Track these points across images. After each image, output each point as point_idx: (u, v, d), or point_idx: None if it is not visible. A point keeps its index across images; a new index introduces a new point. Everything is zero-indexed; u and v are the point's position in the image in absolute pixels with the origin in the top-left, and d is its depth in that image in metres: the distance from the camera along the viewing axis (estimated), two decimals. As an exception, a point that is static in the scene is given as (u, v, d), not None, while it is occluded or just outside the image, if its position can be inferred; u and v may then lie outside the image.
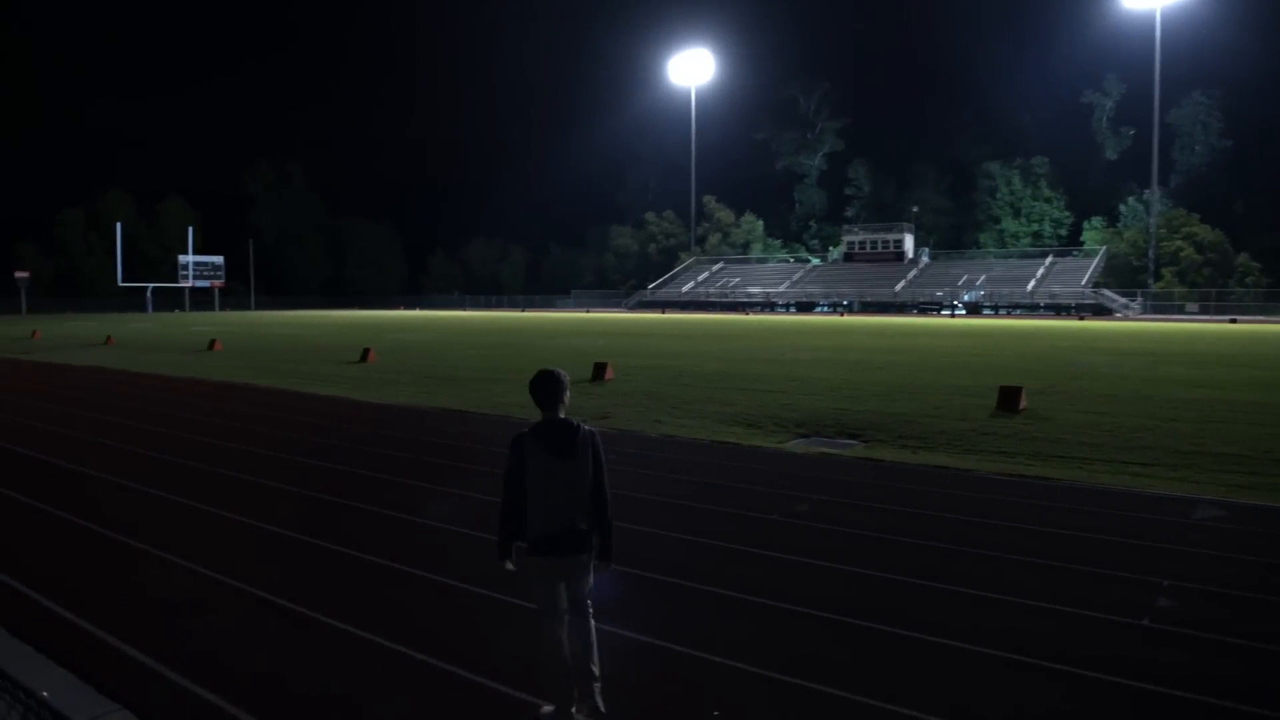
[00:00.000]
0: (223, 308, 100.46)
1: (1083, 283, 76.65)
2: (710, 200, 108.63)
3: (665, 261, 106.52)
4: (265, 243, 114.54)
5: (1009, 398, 14.26)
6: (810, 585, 5.97)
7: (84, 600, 5.67)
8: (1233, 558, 6.57)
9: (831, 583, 6.04)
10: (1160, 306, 71.92)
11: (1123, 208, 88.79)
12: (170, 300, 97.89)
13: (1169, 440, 11.48)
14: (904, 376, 19.62)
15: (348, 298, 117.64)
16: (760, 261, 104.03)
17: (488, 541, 5.79)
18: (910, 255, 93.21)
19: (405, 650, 4.86)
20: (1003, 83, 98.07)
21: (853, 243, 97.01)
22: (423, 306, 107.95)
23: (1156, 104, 78.80)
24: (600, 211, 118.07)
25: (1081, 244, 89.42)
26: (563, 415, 4.02)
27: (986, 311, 76.47)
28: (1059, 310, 73.21)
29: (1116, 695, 4.36)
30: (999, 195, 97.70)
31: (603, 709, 3.95)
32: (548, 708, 4.04)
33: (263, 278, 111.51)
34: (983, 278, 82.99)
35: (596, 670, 4.00)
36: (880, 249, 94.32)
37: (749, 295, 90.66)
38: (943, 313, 75.87)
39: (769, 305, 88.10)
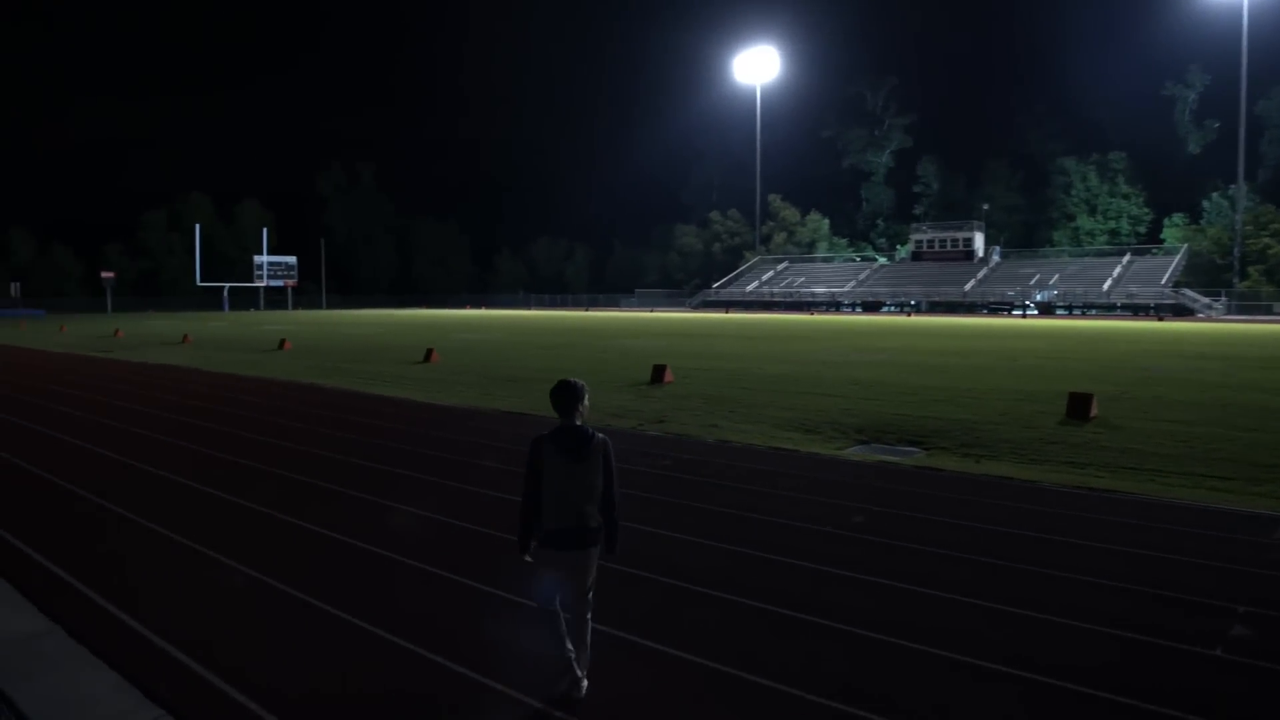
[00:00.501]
0: (295, 306, 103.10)
1: (1162, 282, 74.00)
2: (775, 199, 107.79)
3: (729, 261, 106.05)
4: (336, 242, 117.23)
5: (1079, 405, 13.75)
6: (860, 602, 5.78)
7: (139, 598, 5.79)
8: (1316, 582, 6.19)
9: (881, 600, 5.84)
10: (1246, 307, 69.06)
11: (1206, 204, 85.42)
12: (245, 299, 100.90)
13: (1250, 453, 10.91)
14: (969, 380, 19.12)
15: (415, 296, 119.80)
16: (826, 260, 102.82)
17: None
18: (980, 254, 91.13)
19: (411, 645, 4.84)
20: (1079, 75, 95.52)
21: (921, 241, 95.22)
22: (488, 305, 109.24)
23: (1244, 95, 75.56)
24: (665, 210, 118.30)
25: (1161, 242, 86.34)
26: (579, 422, 4.38)
27: (1060, 312, 74.35)
28: (1136, 311, 70.82)
29: (1183, 732, 4.12)
30: (1074, 192, 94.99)
31: (583, 692, 4.36)
32: (561, 685, 4.44)
33: (333, 276, 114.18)
34: (1056, 277, 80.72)
35: (585, 665, 4.42)
36: (949, 248, 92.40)
37: (814, 295, 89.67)
38: (1014, 313, 73.94)
39: (834, 305, 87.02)
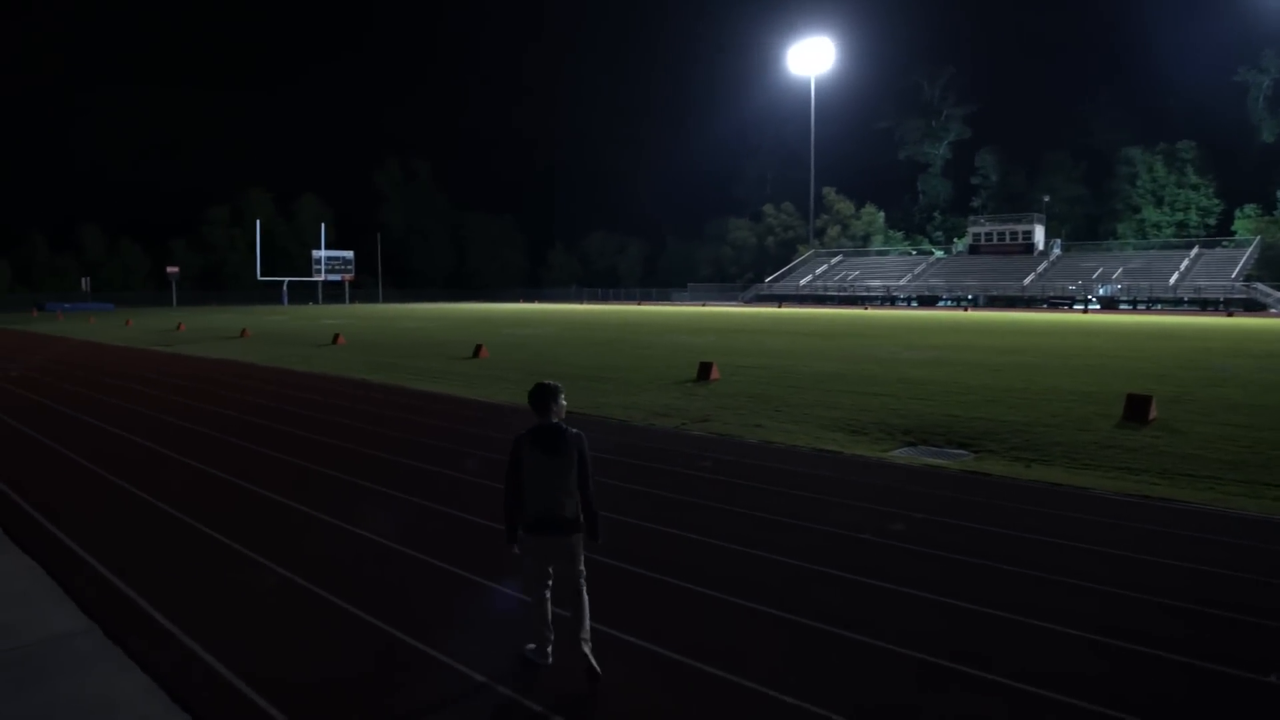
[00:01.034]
0: (352, 300, 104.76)
1: (1233, 276, 71.47)
2: (829, 192, 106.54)
3: (783, 254, 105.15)
4: (392, 237, 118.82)
5: (1137, 407, 13.28)
6: (895, 616, 5.60)
7: (163, 598, 5.86)
8: (1385, 603, 5.86)
9: (919, 614, 5.66)
10: (1322, 301, 66.45)
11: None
12: (304, 293, 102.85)
13: (1320, 458, 10.43)
14: (1024, 379, 18.63)
15: (470, 290, 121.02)
16: (880, 254, 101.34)
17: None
18: (1040, 247, 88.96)
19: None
20: (1145, 62, 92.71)
21: (979, 234, 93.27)
22: (541, 300, 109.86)
23: (1321, 82, 72.65)
24: (718, 204, 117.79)
25: (1232, 234, 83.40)
26: (554, 421, 4.79)
27: (1124, 306, 72.31)
28: (1205, 305, 68.55)
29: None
30: (1139, 182, 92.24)
31: (598, 669, 4.63)
32: (530, 645, 4.89)
33: (390, 270, 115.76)
34: (1120, 270, 78.44)
35: (588, 638, 4.70)
36: (1008, 240, 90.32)
37: (868, 289, 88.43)
38: (1075, 308, 72.09)
39: (889, 299, 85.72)
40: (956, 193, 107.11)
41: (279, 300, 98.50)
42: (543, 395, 4.83)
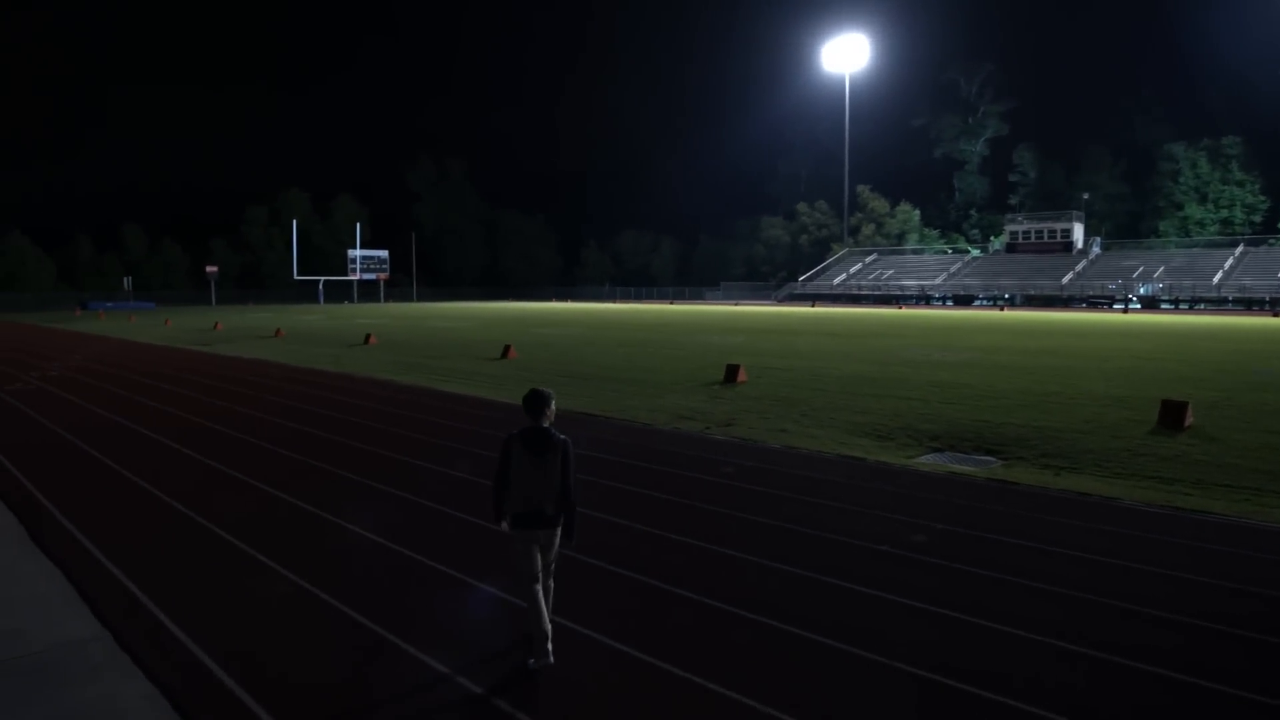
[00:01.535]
0: (387, 299, 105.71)
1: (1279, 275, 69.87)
2: (864, 190, 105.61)
3: (817, 253, 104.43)
4: (426, 236, 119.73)
5: (1172, 413, 12.94)
6: (907, 633, 5.47)
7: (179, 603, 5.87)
8: None
9: (933, 631, 5.52)
10: (1373, 301, 64.67)
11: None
12: (340, 292, 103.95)
13: (1363, 469, 10.10)
14: (1058, 383, 18.26)
15: (503, 289, 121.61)
16: (915, 253, 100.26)
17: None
18: (1079, 245, 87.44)
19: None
20: (1188, 56, 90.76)
21: (1016, 233, 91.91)
22: (573, 298, 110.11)
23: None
24: (751, 202, 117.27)
25: (1278, 231, 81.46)
26: (544, 424, 5.07)
27: (1165, 306, 70.85)
28: (1250, 305, 66.97)
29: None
30: (1182, 179, 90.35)
31: (551, 660, 4.94)
32: (531, 660, 4.97)
33: (424, 269, 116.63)
34: (1161, 269, 76.90)
35: (548, 627, 4.98)
36: (1046, 239, 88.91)
37: (903, 288, 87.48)
38: (1115, 307, 70.78)
39: (924, 299, 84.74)
40: (993, 190, 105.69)
41: (315, 299, 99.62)
42: (535, 401, 5.13)
